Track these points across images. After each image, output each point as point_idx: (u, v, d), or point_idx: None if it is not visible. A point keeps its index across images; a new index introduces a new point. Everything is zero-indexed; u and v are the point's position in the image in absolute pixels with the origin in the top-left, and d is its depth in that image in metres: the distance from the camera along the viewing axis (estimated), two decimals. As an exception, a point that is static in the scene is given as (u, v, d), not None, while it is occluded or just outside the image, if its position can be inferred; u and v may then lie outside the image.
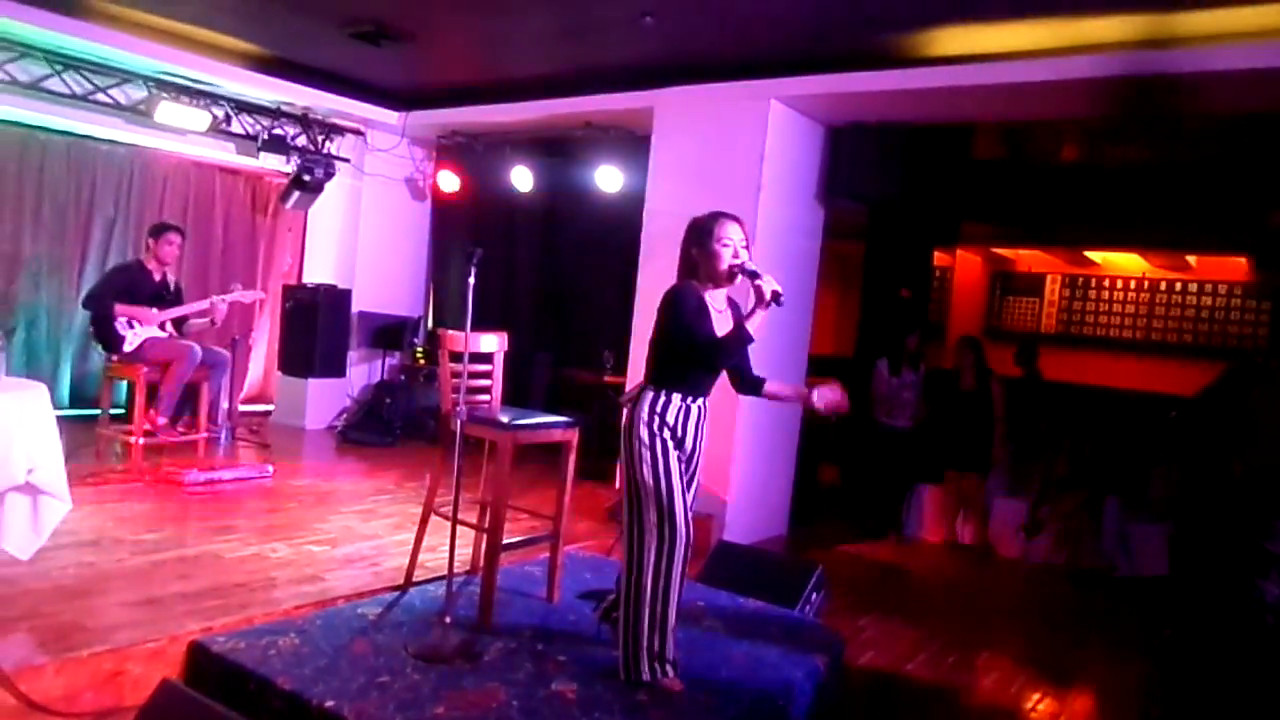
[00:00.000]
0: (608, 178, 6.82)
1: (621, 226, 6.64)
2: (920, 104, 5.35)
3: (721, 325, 3.03)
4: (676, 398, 3.02)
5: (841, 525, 6.42)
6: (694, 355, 3.00)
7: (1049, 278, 9.75)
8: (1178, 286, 9.08)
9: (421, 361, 8.02)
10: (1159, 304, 9.18)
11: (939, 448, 6.27)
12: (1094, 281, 9.52)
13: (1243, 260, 8.58)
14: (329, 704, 2.71)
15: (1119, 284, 9.39)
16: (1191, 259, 8.78)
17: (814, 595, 4.14)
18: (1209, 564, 2.75)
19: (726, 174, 5.56)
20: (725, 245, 3.01)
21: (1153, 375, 8.59)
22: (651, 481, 2.96)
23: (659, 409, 3.01)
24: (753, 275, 2.95)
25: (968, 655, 4.19)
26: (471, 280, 3.35)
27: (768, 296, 2.88)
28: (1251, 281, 8.71)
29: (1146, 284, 9.22)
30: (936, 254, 8.79)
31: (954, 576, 5.77)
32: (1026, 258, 9.74)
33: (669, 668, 3.03)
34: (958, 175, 6.77)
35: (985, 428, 6.13)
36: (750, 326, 2.93)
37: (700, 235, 3.05)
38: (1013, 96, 5.03)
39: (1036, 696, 3.79)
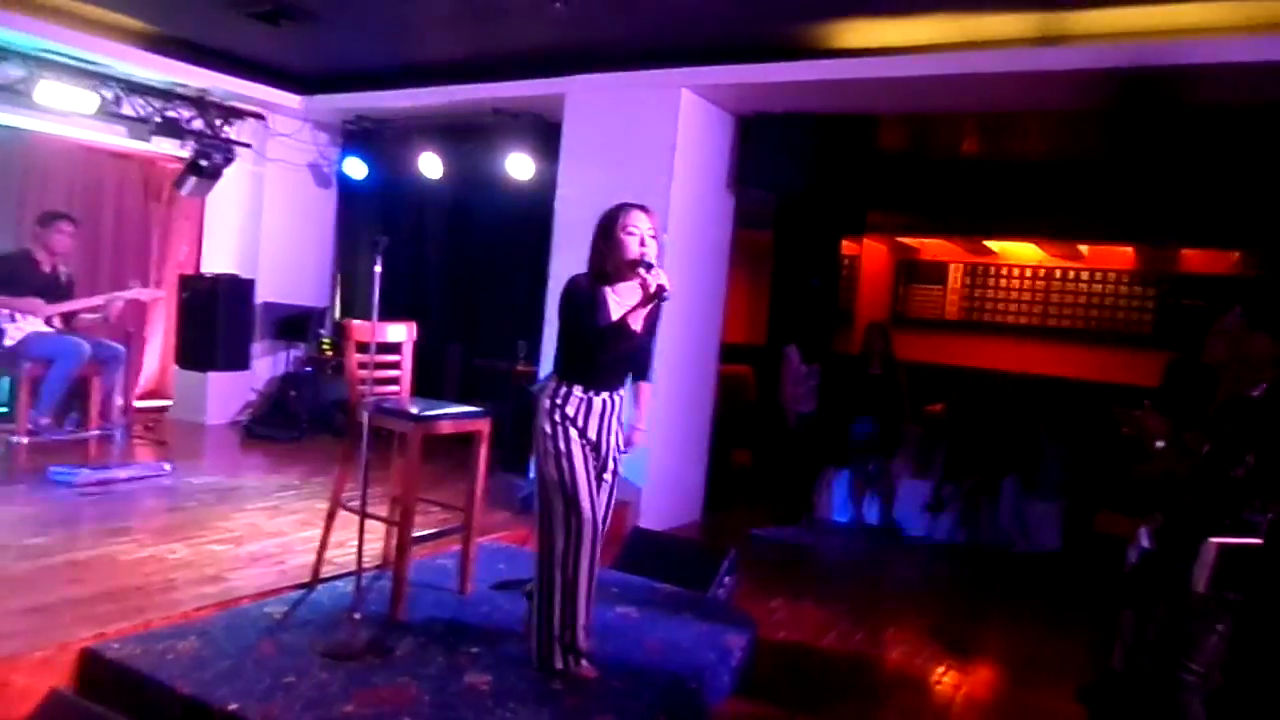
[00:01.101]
0: (519, 165, 6.75)
1: (533, 214, 6.59)
2: (827, 95, 5.45)
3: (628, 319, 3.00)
4: (577, 389, 3.02)
5: (754, 509, 6.53)
6: (582, 347, 2.99)
7: (951, 266, 10.07)
8: (1071, 274, 9.50)
9: (329, 353, 7.81)
10: (1054, 291, 9.58)
11: (846, 432, 6.43)
12: (993, 270, 9.88)
13: (1129, 249, 9.03)
14: (232, 707, 2.62)
15: (1016, 272, 9.77)
16: (1083, 248, 9.18)
17: (726, 578, 4.20)
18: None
19: (638, 162, 5.57)
20: (631, 233, 2.98)
21: (1048, 359, 8.98)
22: (555, 473, 2.96)
23: (559, 400, 3.01)
24: (647, 267, 2.93)
25: (875, 631, 4.32)
26: (377, 269, 3.28)
27: (652, 289, 2.88)
28: (1138, 269, 9.18)
29: (1042, 272, 9.62)
30: (844, 243, 8.98)
31: (862, 556, 5.93)
32: (930, 247, 10.04)
33: (583, 659, 3.03)
34: (863, 166, 6.92)
35: (891, 412, 6.32)
36: (633, 320, 2.92)
37: (606, 226, 3.03)
38: (915, 89, 5.17)
39: (941, 668, 3.94)
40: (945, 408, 6.76)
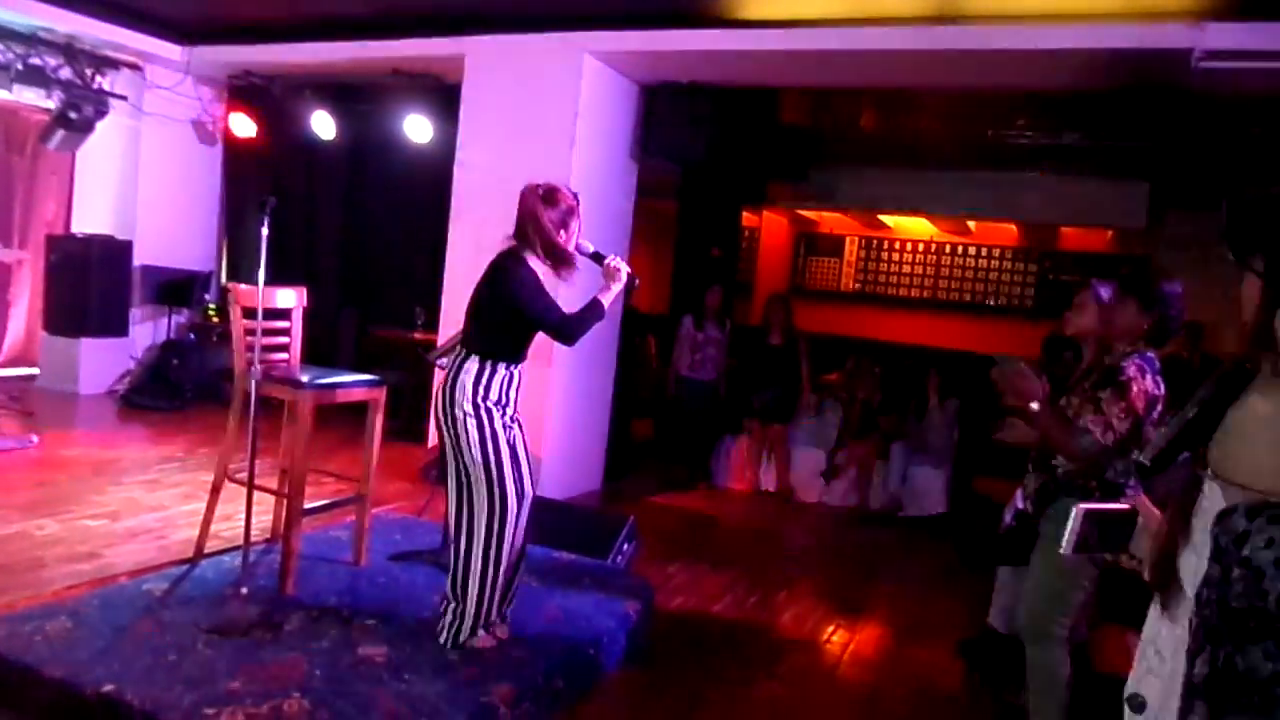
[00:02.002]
0: (417, 127, 6.55)
1: (432, 179, 6.43)
2: (730, 66, 5.46)
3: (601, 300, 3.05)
4: (502, 367, 2.97)
5: (654, 477, 6.59)
6: (541, 330, 2.97)
7: (848, 240, 10.33)
8: (959, 250, 9.88)
9: (214, 319, 7.48)
10: (944, 265, 9.95)
11: (745, 400, 6.55)
12: (887, 244, 10.18)
13: (1013, 227, 9.44)
14: (107, 689, 2.51)
15: (909, 246, 10.09)
16: (971, 224, 9.55)
17: (625, 546, 4.24)
18: None
19: (539, 128, 5.48)
20: (575, 232, 3.03)
21: (937, 331, 9.34)
22: (481, 458, 2.91)
23: (484, 382, 2.93)
24: (598, 257, 3.01)
25: (769, 595, 4.43)
26: (265, 231, 3.16)
27: (624, 280, 3.00)
28: (1021, 246, 9.62)
29: (933, 247, 9.97)
30: (745, 214, 9.09)
31: (758, 522, 6.07)
32: (828, 220, 10.27)
33: (479, 629, 3.01)
34: (765, 138, 7.01)
35: (789, 381, 6.46)
36: (606, 302, 3.00)
37: (566, 213, 2.98)
38: (815, 63, 5.23)
39: (830, 629, 4.08)
40: (840, 377, 6.94)
